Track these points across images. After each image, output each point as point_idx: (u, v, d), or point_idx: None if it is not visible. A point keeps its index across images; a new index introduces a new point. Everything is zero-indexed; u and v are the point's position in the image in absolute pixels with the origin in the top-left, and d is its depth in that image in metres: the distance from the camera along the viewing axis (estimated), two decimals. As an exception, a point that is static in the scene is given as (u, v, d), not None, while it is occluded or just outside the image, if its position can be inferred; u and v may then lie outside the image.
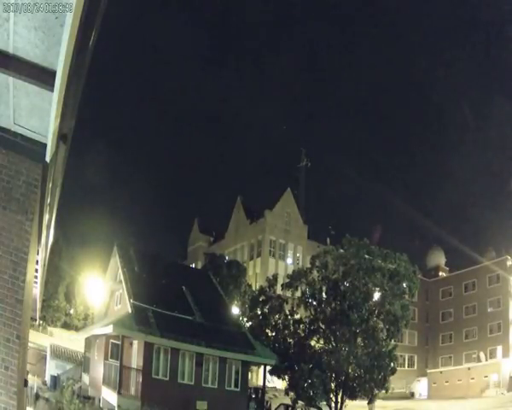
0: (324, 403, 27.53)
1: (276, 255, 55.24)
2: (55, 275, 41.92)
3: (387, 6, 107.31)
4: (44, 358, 32.69)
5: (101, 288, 30.66)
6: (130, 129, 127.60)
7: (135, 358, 22.24)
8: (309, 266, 31.39)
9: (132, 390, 21.13)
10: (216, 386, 23.13)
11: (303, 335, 29.57)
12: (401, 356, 50.40)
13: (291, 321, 30.05)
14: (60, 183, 6.12)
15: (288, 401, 28.98)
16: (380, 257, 29.10)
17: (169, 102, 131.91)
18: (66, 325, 47.38)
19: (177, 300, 24.99)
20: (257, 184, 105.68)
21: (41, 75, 4.07)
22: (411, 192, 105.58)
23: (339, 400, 27.53)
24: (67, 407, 20.30)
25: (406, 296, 29.95)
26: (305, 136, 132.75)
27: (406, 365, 57.07)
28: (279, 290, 32.91)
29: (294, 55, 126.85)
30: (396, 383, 43.30)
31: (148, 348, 21.10)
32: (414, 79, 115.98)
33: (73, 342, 35.72)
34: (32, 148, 5.32)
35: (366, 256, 28.88)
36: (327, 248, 32.87)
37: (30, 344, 18.92)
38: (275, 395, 34.08)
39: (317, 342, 29.40)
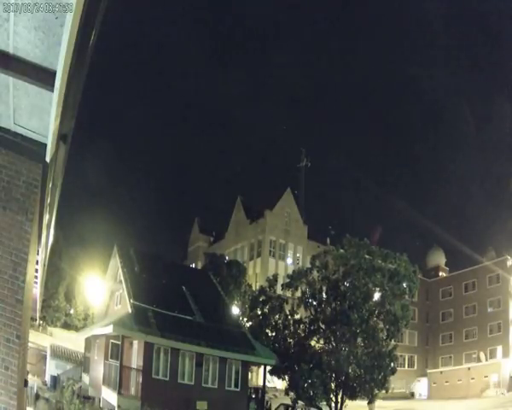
0: (324, 403, 27.51)
1: (276, 255, 55.21)
2: (55, 275, 41.94)
3: (387, 6, 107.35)
4: (44, 358, 32.69)
5: (101, 288, 30.64)
6: (130, 129, 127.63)
7: (135, 358, 22.24)
8: (309, 266, 31.37)
9: (132, 390, 21.13)
10: (216, 386, 23.11)
11: (303, 335, 29.55)
12: (401, 356, 50.36)
13: (291, 321, 30.03)
14: (60, 183, 6.12)
15: (288, 401, 28.97)
16: (380, 257, 29.08)
17: (169, 102, 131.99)
18: (67, 325, 47.41)
19: (177, 300, 24.99)
20: (257, 184, 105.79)
21: (41, 75, 4.06)
22: (411, 192, 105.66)
23: (339, 400, 27.51)
24: (67, 407, 20.31)
25: (406, 296, 29.93)
26: (305, 136, 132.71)
27: (406, 365, 57.05)
28: (279, 290, 32.88)
29: (294, 55, 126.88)
30: (396, 383, 43.31)
31: (148, 348, 21.08)
32: (413, 80, 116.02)
33: (73, 342, 35.71)
34: (32, 148, 5.31)
35: (366, 256, 28.86)
36: (327, 248, 32.85)
37: (30, 344, 18.93)
38: (275, 395, 34.08)
39: (317, 342, 29.38)
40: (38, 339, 34.65)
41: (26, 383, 8.26)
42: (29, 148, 5.32)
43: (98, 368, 24.32)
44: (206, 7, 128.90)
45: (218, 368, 23.27)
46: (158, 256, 33.83)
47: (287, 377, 28.67)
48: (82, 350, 31.02)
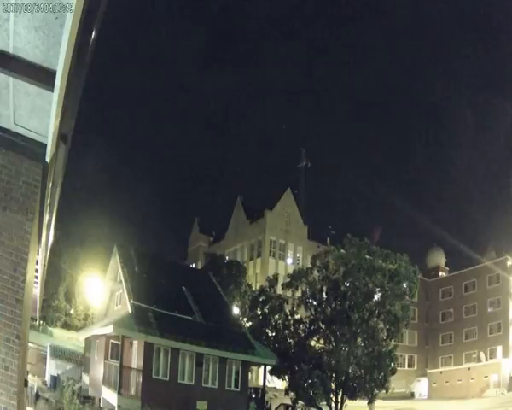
0: (324, 403, 27.53)
1: (276, 255, 55.22)
2: (55, 275, 41.81)
3: (388, 6, 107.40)
4: (44, 358, 32.64)
5: (101, 288, 30.63)
6: (131, 129, 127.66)
7: (135, 358, 22.23)
8: (309, 266, 31.40)
9: (132, 390, 21.13)
10: (216, 386, 23.13)
11: (303, 335, 29.56)
12: (401, 356, 50.39)
13: (291, 321, 30.04)
14: (60, 183, 6.11)
15: (288, 401, 28.97)
16: (380, 257, 29.09)
17: (169, 103, 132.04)
18: (67, 325, 47.31)
19: (177, 300, 24.99)
20: (257, 184, 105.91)
21: (41, 75, 4.06)
22: (411, 192, 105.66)
23: (339, 400, 27.53)
24: (67, 407, 20.29)
25: (406, 297, 29.93)
26: (305, 136, 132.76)
27: (406, 365, 57.05)
28: (279, 290, 32.89)
29: (294, 55, 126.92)
30: (396, 383, 43.25)
31: (148, 348, 21.08)
32: (414, 79, 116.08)
33: (73, 342, 35.68)
34: (32, 148, 5.31)
35: (367, 256, 28.86)
36: (328, 248, 32.83)
37: (30, 344, 18.92)
38: (275, 395, 34.06)
39: (318, 342, 29.39)
40: (38, 339, 34.60)
41: (26, 383, 8.26)
42: (29, 148, 5.32)
43: (98, 368, 24.31)
44: (205, 6, 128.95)
45: (218, 368, 23.27)
46: (158, 256, 33.82)
47: (287, 378, 28.68)
48: (82, 350, 30.99)
